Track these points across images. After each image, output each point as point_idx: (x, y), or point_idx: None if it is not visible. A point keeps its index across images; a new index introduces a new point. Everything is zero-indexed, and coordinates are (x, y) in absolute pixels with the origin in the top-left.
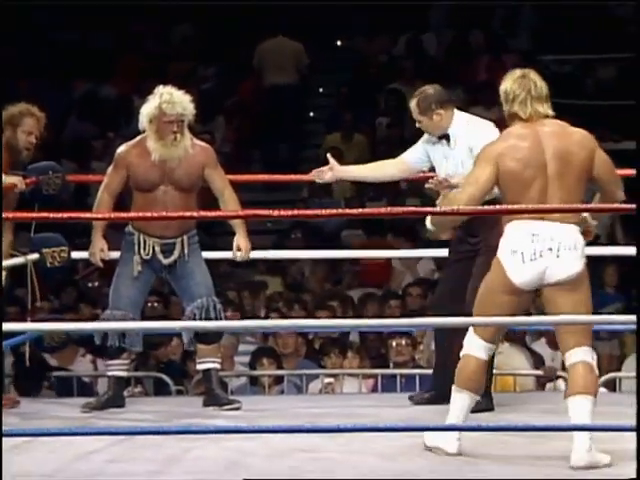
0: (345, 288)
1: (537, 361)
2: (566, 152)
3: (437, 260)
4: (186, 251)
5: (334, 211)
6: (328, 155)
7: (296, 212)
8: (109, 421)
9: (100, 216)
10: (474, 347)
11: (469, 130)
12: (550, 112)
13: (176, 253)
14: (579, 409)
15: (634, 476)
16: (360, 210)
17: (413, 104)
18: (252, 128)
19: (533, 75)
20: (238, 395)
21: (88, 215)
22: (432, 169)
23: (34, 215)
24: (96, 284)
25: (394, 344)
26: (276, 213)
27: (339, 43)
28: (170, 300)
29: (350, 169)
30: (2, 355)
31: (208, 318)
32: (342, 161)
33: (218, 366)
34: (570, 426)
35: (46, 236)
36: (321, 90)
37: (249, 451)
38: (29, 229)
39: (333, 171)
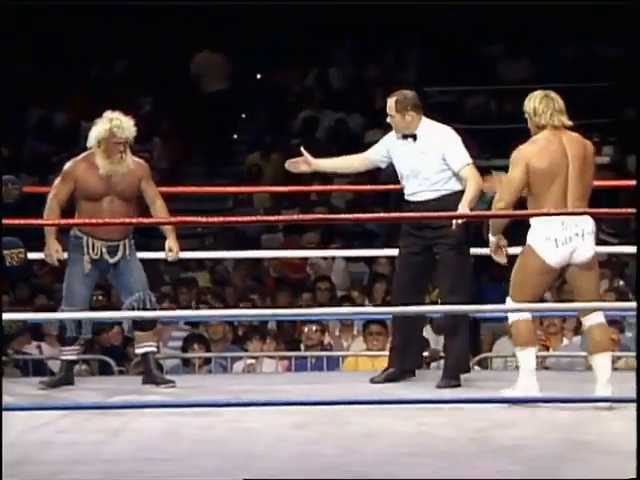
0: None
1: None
2: (584, 157)
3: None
4: (127, 252)
5: (254, 218)
6: (302, 149)
7: (222, 219)
8: (59, 397)
9: (52, 222)
10: (520, 313)
11: (438, 136)
12: (569, 122)
13: (119, 253)
14: (603, 364)
15: (634, 476)
16: (277, 217)
17: (392, 101)
18: (185, 148)
19: (553, 95)
20: (172, 374)
21: (40, 221)
22: (390, 165)
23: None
24: (48, 280)
25: (305, 330)
26: (204, 220)
27: (259, 76)
28: (111, 293)
29: (323, 162)
30: (2, 353)
31: (145, 309)
32: (261, 176)
33: (154, 349)
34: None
35: (6, 239)
36: (244, 116)
37: (183, 423)
38: None
39: (309, 163)
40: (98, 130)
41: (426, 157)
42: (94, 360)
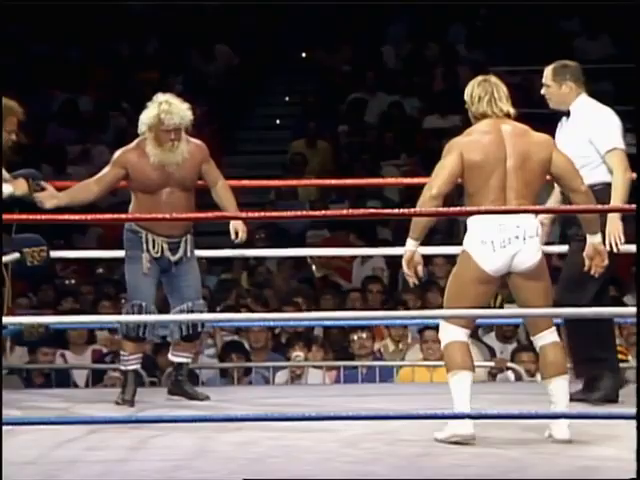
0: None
1: (488, 353)
2: (526, 150)
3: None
4: (188, 249)
5: (298, 213)
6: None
7: (262, 214)
8: (86, 411)
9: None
10: (454, 334)
11: (592, 119)
12: (512, 110)
13: (181, 251)
14: (561, 389)
15: (634, 476)
16: (323, 212)
17: (549, 68)
18: (221, 134)
19: (494, 79)
20: (209, 386)
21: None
22: None
23: (23, 217)
24: (72, 282)
25: (355, 338)
26: (243, 215)
27: (304, 55)
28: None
29: None
30: (1, 351)
31: (194, 323)
32: (306, 166)
33: (190, 361)
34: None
35: (26, 236)
36: (287, 99)
37: (219, 439)
38: (9, 230)
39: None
40: (147, 115)
41: (572, 137)
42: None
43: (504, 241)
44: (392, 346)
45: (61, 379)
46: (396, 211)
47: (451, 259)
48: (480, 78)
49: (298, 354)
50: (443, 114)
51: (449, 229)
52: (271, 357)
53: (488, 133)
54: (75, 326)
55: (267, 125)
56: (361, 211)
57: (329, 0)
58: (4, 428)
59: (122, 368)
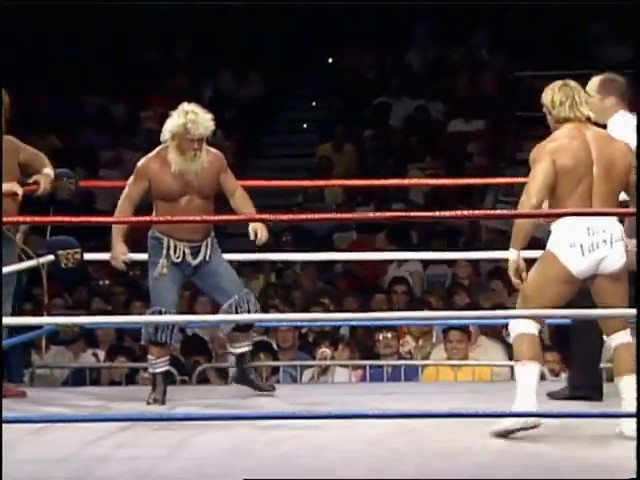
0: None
1: (512, 353)
2: (610, 157)
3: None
4: (209, 252)
5: (325, 215)
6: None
7: (290, 216)
8: (117, 408)
9: (118, 219)
10: (525, 327)
11: (627, 135)
12: (592, 114)
13: (202, 255)
14: (630, 387)
15: (634, 476)
16: (350, 215)
17: (596, 79)
18: (250, 138)
19: (573, 83)
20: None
21: (105, 219)
22: None
23: (57, 219)
24: (107, 282)
25: (381, 337)
26: (272, 217)
27: (330, 60)
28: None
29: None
30: (1, 350)
31: (243, 311)
32: (333, 169)
33: (250, 349)
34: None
35: (60, 239)
36: (314, 103)
37: (249, 437)
38: (44, 233)
39: None
40: (172, 124)
41: None
42: None
43: (592, 245)
44: (412, 342)
45: (93, 378)
46: (422, 214)
47: (473, 262)
48: (560, 83)
49: (324, 350)
50: (467, 118)
51: (472, 233)
52: (298, 356)
53: (575, 138)
54: (108, 326)
55: (294, 129)
56: (387, 214)
57: (354, 7)
58: (36, 426)
59: (150, 371)
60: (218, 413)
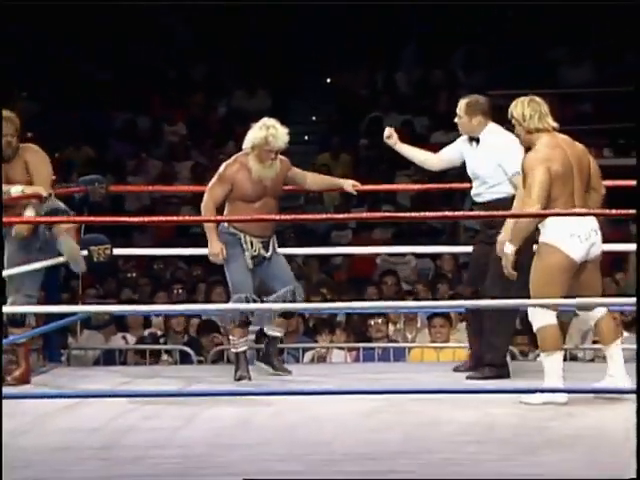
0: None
1: None
2: (580, 158)
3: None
4: (275, 246)
5: (324, 216)
6: (392, 130)
7: (294, 216)
8: (142, 385)
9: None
10: (546, 318)
11: (497, 143)
12: (556, 124)
13: (271, 248)
14: (617, 352)
15: (634, 476)
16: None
17: (463, 102)
18: None
19: (537, 99)
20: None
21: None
22: (463, 163)
23: (110, 219)
24: (134, 274)
25: (372, 323)
26: (277, 217)
27: (328, 80)
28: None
29: (405, 147)
30: (1, 350)
31: (295, 300)
32: (331, 175)
33: (282, 336)
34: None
35: (93, 236)
36: (314, 118)
37: (255, 411)
38: (79, 231)
39: (395, 143)
40: (254, 135)
41: (483, 161)
42: (175, 350)
43: (586, 234)
44: (392, 327)
45: (122, 358)
46: (408, 215)
47: (455, 255)
48: (527, 98)
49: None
50: (447, 130)
51: (452, 231)
52: (301, 339)
53: (557, 146)
54: (134, 313)
55: (296, 140)
56: (379, 214)
57: (350, 33)
58: (73, 400)
59: (233, 350)
60: (228, 389)
